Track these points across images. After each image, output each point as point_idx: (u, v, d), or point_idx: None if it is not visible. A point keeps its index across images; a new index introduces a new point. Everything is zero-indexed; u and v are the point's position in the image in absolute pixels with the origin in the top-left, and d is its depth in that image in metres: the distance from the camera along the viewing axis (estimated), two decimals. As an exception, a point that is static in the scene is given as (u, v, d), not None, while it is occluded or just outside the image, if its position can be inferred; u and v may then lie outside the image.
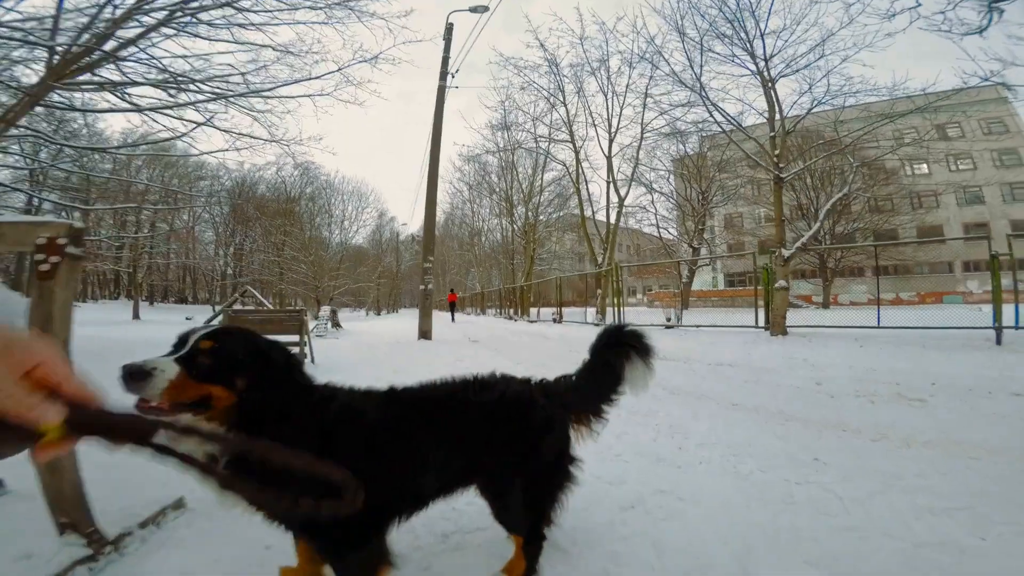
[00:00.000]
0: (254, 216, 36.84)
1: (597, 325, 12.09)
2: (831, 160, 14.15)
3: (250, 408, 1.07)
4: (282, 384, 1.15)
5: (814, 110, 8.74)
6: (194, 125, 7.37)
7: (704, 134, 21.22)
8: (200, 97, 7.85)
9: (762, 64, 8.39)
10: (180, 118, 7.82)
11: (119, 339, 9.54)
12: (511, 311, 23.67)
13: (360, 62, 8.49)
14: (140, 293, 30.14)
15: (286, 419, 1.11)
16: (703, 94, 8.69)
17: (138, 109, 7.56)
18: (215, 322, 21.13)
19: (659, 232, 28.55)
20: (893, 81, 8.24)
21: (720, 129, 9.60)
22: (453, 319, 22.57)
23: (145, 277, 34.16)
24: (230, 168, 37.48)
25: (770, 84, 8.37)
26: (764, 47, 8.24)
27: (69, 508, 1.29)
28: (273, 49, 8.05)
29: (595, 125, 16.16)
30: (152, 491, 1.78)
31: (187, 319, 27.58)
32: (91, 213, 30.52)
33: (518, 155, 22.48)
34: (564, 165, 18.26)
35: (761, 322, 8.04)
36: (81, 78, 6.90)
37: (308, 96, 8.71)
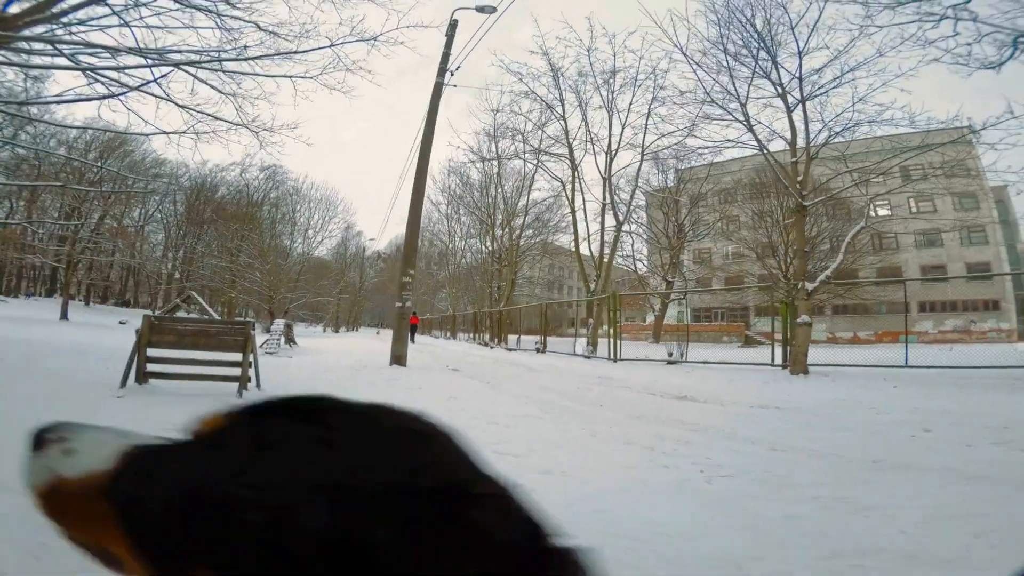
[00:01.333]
0: (210, 219, 34.41)
1: (588, 357, 11.17)
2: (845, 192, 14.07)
3: None
4: None
5: (832, 139, 8.33)
6: (132, 88, 6.09)
7: (689, 165, 21.28)
8: (155, 61, 6.63)
9: (792, 84, 7.95)
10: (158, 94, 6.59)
11: (21, 341, 7.88)
12: (487, 337, 22.45)
13: (357, 40, 7.47)
14: (77, 292, 27.18)
15: None
16: (745, 112, 8.09)
17: (80, 68, 6.27)
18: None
19: (634, 264, 28.40)
20: (910, 113, 7.98)
21: (753, 150, 9.05)
22: (413, 340, 21.19)
23: (85, 276, 30.91)
24: (189, 167, 35.14)
25: (797, 106, 7.92)
26: (800, 68, 7.79)
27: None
28: (259, 27, 6.98)
29: (594, 143, 15.63)
30: None
31: (121, 323, 24.88)
32: (35, 202, 27.51)
33: (504, 172, 21.72)
34: (560, 181, 17.55)
35: (778, 359, 7.34)
36: (26, 32, 5.81)
37: (288, 77, 7.54)
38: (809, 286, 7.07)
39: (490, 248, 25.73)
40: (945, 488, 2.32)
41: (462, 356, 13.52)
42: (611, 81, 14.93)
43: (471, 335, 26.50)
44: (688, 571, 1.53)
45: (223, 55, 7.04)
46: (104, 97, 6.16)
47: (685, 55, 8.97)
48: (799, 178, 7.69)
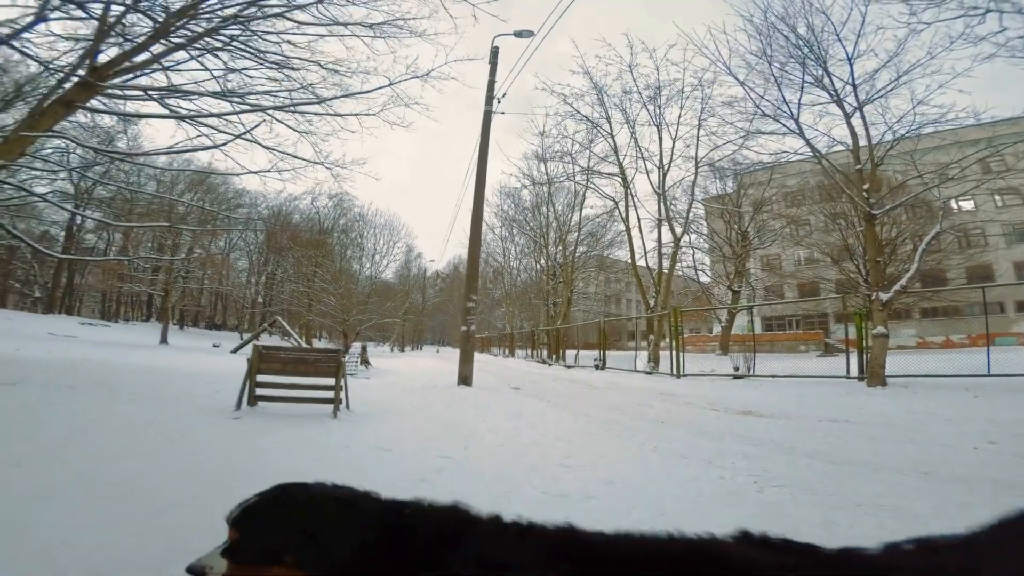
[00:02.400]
0: (287, 246, 37.52)
1: (649, 373, 11.13)
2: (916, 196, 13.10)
3: None
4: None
5: (897, 143, 7.95)
6: (231, 137, 7.04)
7: (748, 171, 20.59)
8: (244, 107, 7.56)
9: (847, 90, 7.73)
10: (222, 131, 7.48)
11: (135, 366, 9.00)
12: (544, 354, 22.68)
13: (412, 77, 8.05)
14: (172, 317, 30.50)
15: None
16: (799, 124, 7.98)
17: (177, 116, 7.19)
18: (244, 352, 20.87)
19: (696, 274, 27.53)
20: (974, 110, 7.48)
21: (798, 158, 8.84)
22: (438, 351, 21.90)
23: (179, 302, 34.69)
24: (267, 195, 38.66)
25: (855, 112, 7.68)
26: (852, 73, 7.58)
27: None
28: (321, 66, 7.67)
29: (645, 159, 15.61)
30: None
31: (215, 346, 27.63)
32: (131, 234, 31.63)
33: (555, 189, 22.09)
34: (613, 200, 17.61)
35: (854, 371, 7.03)
36: (119, 80, 6.58)
37: (355, 115, 8.20)
38: (884, 296, 6.75)
39: (544, 265, 26.05)
40: (988, 500, 2.36)
41: (522, 374, 13.88)
42: (657, 97, 14.95)
43: (528, 352, 26.85)
44: None
45: (295, 97, 7.72)
46: (212, 147, 7.10)
47: (730, 71, 8.98)
48: (865, 185, 7.39)
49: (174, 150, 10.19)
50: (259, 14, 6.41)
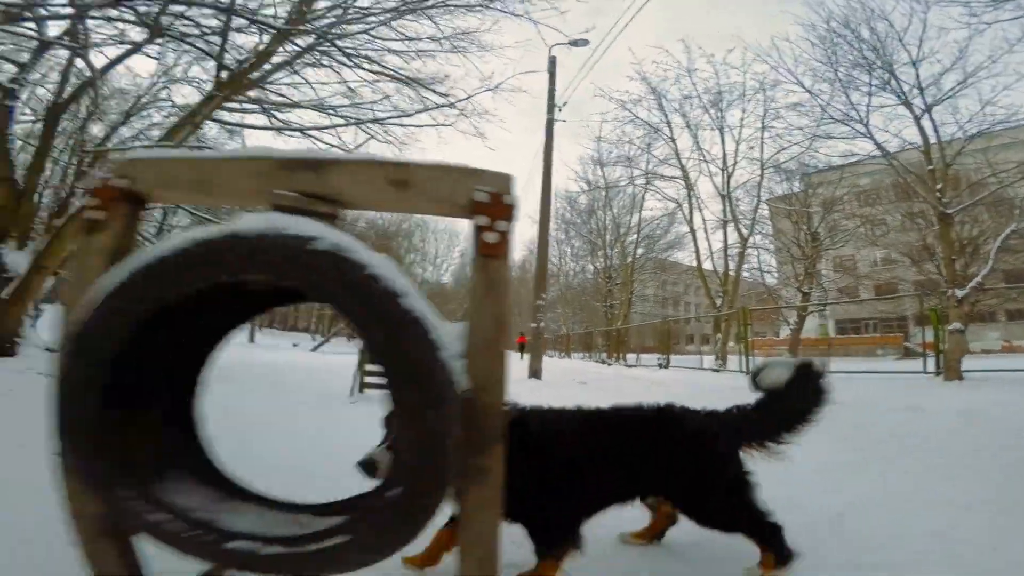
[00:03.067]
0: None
1: (717, 371, 11.37)
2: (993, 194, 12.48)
3: None
4: None
5: (968, 144, 7.88)
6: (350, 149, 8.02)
7: (816, 172, 19.99)
8: (339, 121, 8.17)
9: (914, 93, 7.78)
10: (335, 144, 8.12)
11: (243, 363, 9.89)
12: (603, 355, 23.04)
13: (486, 90, 8.48)
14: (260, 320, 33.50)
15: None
16: (868, 129, 8.16)
17: (301, 129, 7.94)
18: (323, 349, 22.79)
19: (762, 276, 26.68)
20: None
21: (870, 158, 8.93)
22: (522, 357, 22.55)
23: None
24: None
25: (924, 114, 7.71)
26: (918, 76, 7.65)
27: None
28: (407, 81, 8.14)
29: (707, 162, 15.75)
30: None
31: (294, 345, 30.19)
32: None
33: (612, 192, 22.44)
34: (676, 203, 17.80)
35: (930, 368, 7.08)
36: (241, 97, 7.22)
37: (433, 126, 8.73)
38: (959, 293, 6.76)
39: (602, 266, 26.33)
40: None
41: (584, 372, 14.41)
42: (719, 102, 15.04)
43: (585, 354, 27.20)
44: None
45: (377, 109, 8.36)
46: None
47: (796, 79, 9.19)
48: (938, 185, 7.38)
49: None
50: (355, 30, 7.23)
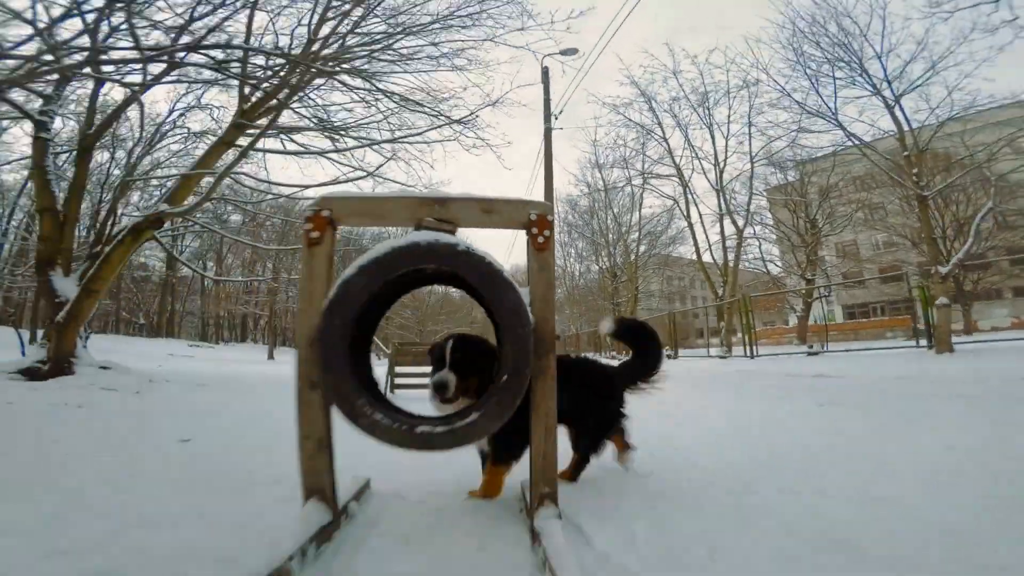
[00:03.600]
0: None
1: (723, 357, 11.81)
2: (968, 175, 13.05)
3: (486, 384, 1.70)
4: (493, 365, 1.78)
5: (939, 130, 8.40)
6: (364, 173, 8.50)
7: (804, 162, 20.48)
8: (353, 142, 8.62)
9: (883, 84, 8.31)
10: (331, 158, 8.51)
11: (274, 376, 10.41)
12: (612, 352, 23.49)
13: (487, 105, 8.84)
14: (262, 337, 34.07)
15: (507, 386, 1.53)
16: (835, 116, 8.72)
17: (320, 152, 8.38)
18: None
19: (765, 266, 27.06)
20: (1012, 93, 7.80)
21: (853, 146, 9.44)
22: None
23: (278, 321, 38.70)
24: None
25: (895, 104, 8.23)
26: (884, 68, 8.19)
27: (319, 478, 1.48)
28: (416, 105, 8.57)
29: (700, 159, 16.27)
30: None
31: None
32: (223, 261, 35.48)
33: (612, 192, 22.99)
34: (674, 200, 18.30)
35: (922, 343, 7.51)
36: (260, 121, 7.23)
37: (439, 141, 9.03)
38: (943, 270, 7.21)
39: (606, 265, 26.83)
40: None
41: (597, 368, 14.89)
42: (705, 101, 15.57)
43: (595, 353, 27.64)
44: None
45: (383, 127, 8.70)
46: (345, 181, 8.51)
47: (773, 79, 9.74)
48: (914, 170, 7.86)
49: (294, 184, 12.11)
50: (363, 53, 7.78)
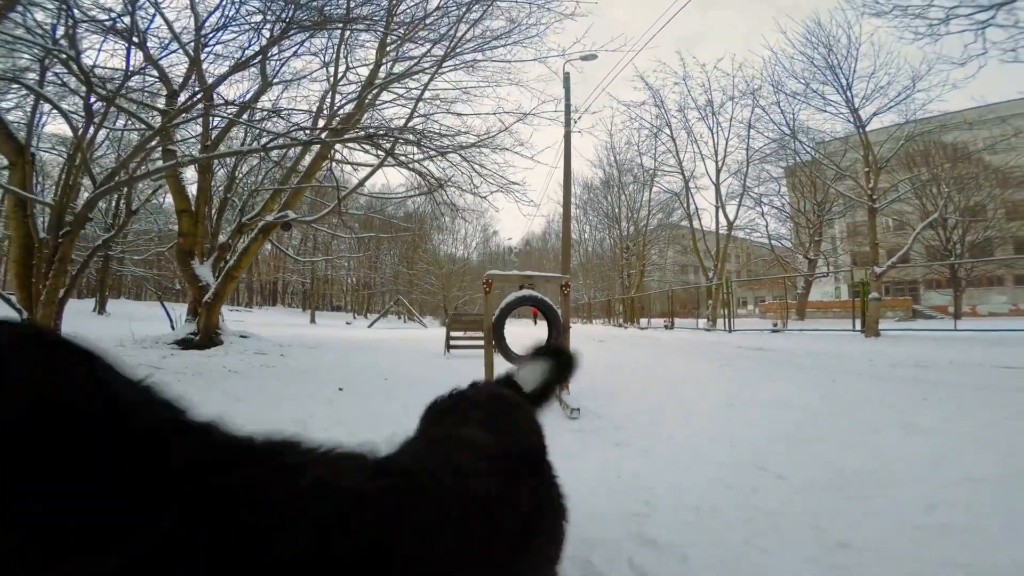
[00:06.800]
0: (391, 236, 43.25)
1: (708, 331, 14.03)
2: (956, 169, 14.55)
3: None
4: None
5: (899, 149, 10.16)
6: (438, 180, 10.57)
7: (818, 141, 21.83)
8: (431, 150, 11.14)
9: (855, 104, 10.01)
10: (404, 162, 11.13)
11: (331, 338, 13.20)
12: (620, 320, 25.77)
13: (519, 120, 10.10)
14: (314, 302, 37.06)
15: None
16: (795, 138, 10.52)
17: (403, 163, 10.84)
18: (378, 325, 25.68)
19: (770, 244, 28.64)
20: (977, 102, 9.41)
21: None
22: (535, 323, 25.11)
23: (318, 289, 41.61)
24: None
25: (860, 129, 9.93)
26: (848, 98, 9.91)
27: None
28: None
29: (704, 157, 17.97)
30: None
31: (347, 323, 33.31)
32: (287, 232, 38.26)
33: (626, 178, 24.69)
34: (676, 195, 20.14)
35: (859, 327, 9.58)
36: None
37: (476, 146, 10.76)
38: (878, 270, 9.16)
39: (617, 239, 28.73)
40: (851, 381, 5.50)
41: (602, 334, 17.24)
42: (709, 106, 17.11)
43: (604, 319, 29.98)
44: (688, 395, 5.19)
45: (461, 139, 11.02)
46: (428, 191, 10.73)
47: (758, 104, 11.40)
48: (870, 184, 9.64)
49: (398, 195, 14.05)
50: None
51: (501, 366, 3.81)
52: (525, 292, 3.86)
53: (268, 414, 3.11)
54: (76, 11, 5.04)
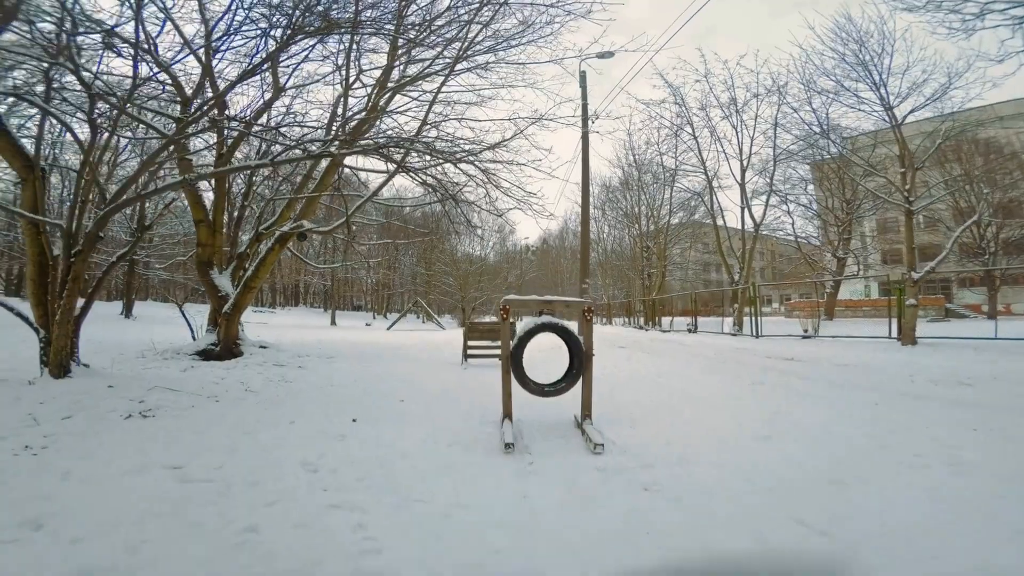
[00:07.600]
0: (408, 242, 43.49)
1: (734, 335, 13.58)
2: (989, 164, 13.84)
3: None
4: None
5: (936, 147, 9.58)
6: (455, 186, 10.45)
7: (846, 136, 21.07)
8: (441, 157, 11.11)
9: (890, 101, 9.51)
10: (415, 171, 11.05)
11: (351, 342, 13.38)
12: (641, 321, 25.31)
13: (534, 123, 9.89)
14: (335, 303, 37.56)
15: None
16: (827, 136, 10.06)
17: (413, 173, 10.88)
18: (396, 327, 25.83)
19: (797, 243, 27.77)
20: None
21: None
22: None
23: (338, 290, 42.13)
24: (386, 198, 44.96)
25: (897, 126, 9.42)
26: (884, 96, 9.41)
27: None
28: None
29: (728, 157, 17.43)
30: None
31: (367, 324, 33.62)
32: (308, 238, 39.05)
33: (645, 178, 24.20)
34: (700, 196, 19.64)
35: (894, 333, 9.10)
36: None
37: (498, 163, 10.92)
38: (916, 276, 8.67)
39: (638, 234, 28.20)
40: (885, 401, 5.17)
41: (623, 337, 16.88)
42: (733, 104, 16.52)
43: (625, 320, 29.48)
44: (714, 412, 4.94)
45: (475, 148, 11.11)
46: (442, 200, 10.68)
47: (789, 104, 10.95)
48: (907, 187, 9.13)
49: (417, 203, 13.92)
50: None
51: (519, 394, 3.69)
52: (544, 319, 3.64)
53: (276, 455, 3.01)
54: (78, 19, 4.99)
